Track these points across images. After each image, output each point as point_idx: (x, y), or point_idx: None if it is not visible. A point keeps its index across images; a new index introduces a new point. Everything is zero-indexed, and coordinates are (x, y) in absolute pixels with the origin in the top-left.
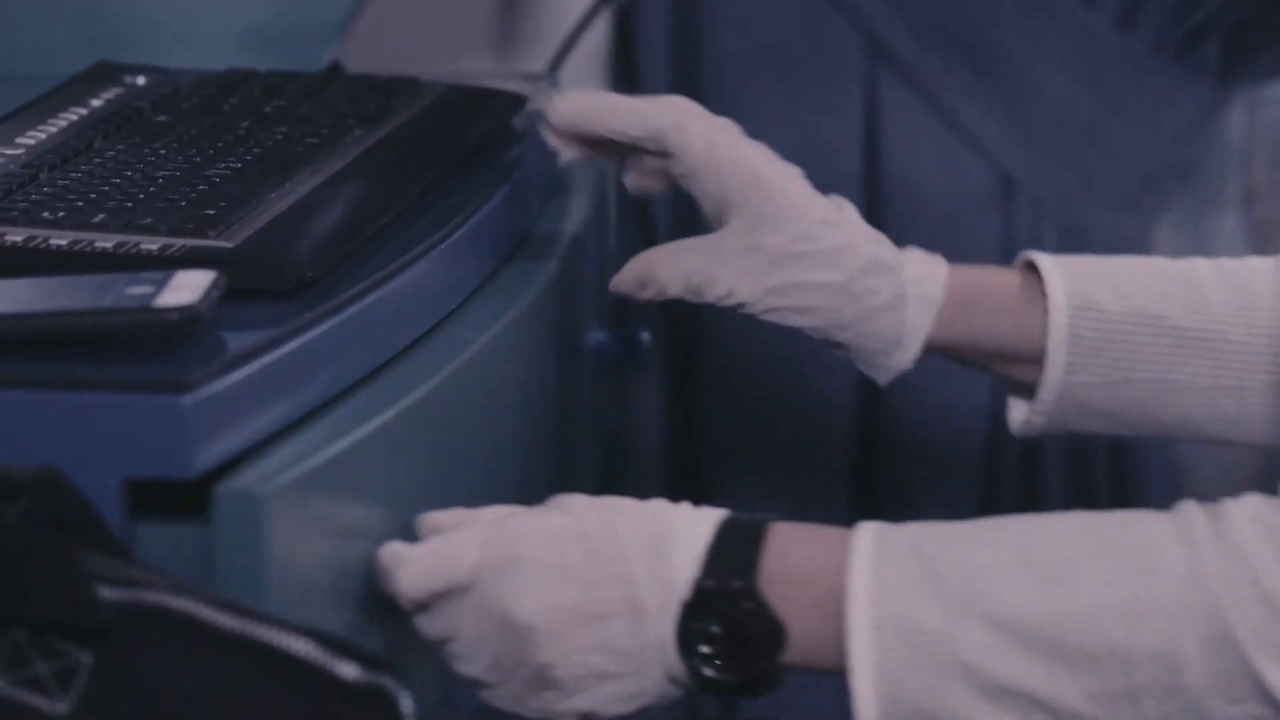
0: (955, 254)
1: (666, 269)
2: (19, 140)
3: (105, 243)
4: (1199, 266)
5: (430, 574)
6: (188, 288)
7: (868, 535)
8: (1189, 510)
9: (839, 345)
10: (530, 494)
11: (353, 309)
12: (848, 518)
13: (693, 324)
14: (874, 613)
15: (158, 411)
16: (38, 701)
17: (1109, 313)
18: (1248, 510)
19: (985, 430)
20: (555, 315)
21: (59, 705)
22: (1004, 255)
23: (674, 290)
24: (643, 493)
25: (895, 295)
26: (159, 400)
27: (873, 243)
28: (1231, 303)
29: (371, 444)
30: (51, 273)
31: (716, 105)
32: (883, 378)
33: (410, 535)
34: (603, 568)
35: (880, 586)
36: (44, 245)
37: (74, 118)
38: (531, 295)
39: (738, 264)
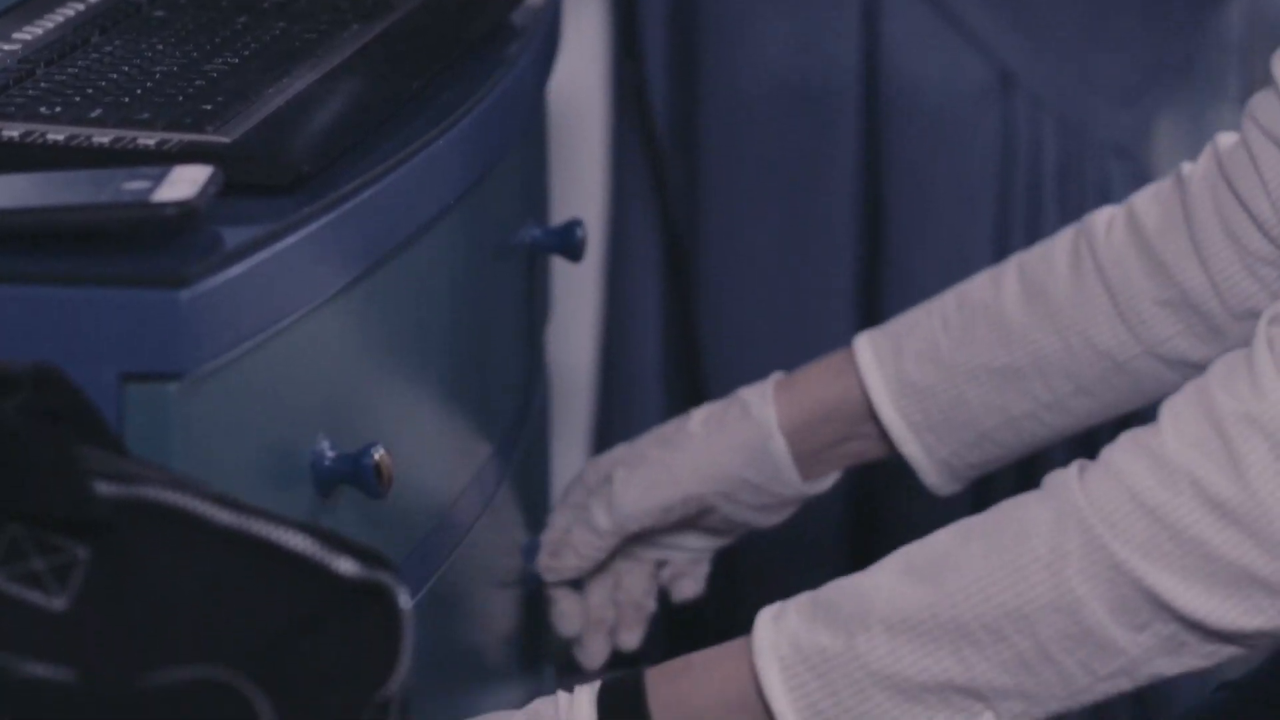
0: (954, 150)
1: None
2: (16, 35)
3: (102, 138)
4: (1005, 282)
5: None
6: (185, 183)
7: (767, 609)
8: (1055, 471)
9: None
10: (459, 387)
11: (349, 204)
12: None
13: (693, 226)
14: (778, 654)
15: (154, 306)
16: (35, 597)
17: (927, 388)
18: (1122, 439)
19: None
20: (486, 210)
21: (56, 601)
22: (1003, 151)
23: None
24: (642, 399)
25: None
26: (155, 295)
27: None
28: (1033, 316)
29: (294, 335)
30: (48, 168)
31: (713, 1)
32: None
33: (335, 425)
34: None
35: (779, 631)
36: (41, 140)
37: (71, 13)
38: (458, 190)
39: None
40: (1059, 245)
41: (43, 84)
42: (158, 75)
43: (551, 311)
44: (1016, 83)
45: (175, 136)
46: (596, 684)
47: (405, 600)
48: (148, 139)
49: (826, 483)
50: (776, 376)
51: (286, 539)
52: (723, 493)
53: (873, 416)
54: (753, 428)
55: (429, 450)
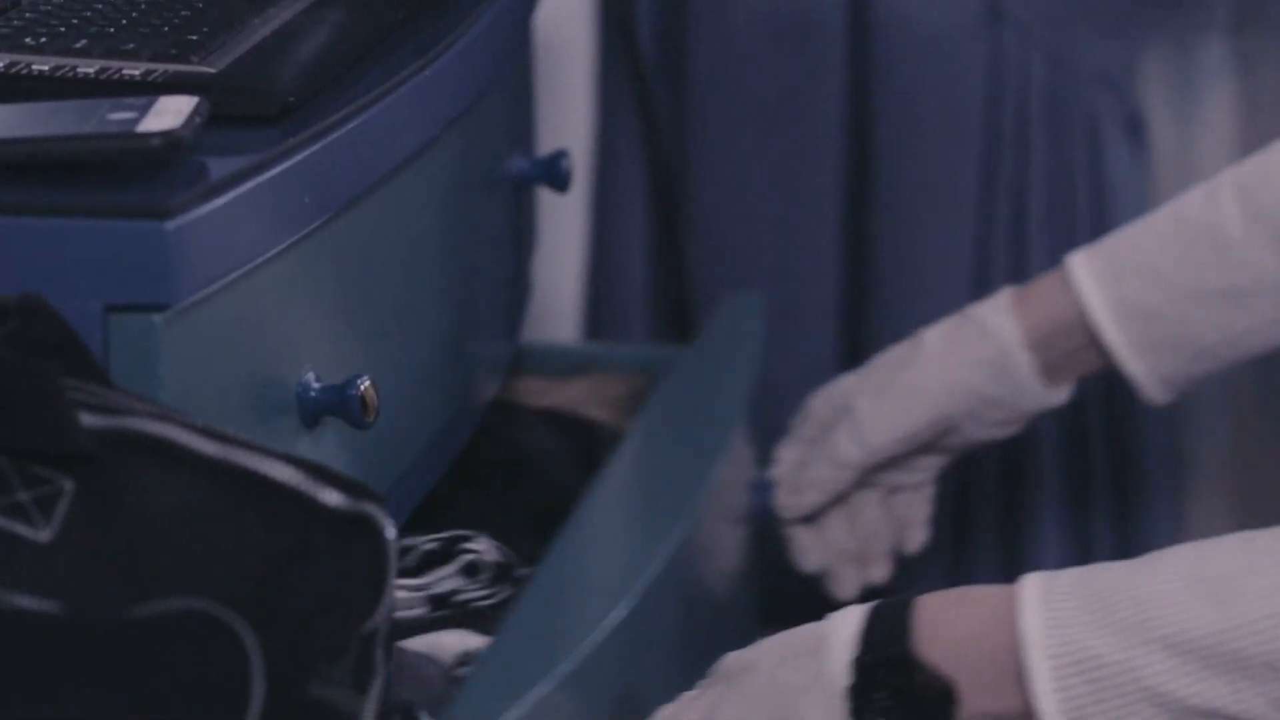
0: (942, 81)
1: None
2: None
3: (88, 68)
4: (1223, 201)
5: None
6: (170, 113)
7: (1032, 581)
8: None
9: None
10: (445, 318)
11: (336, 135)
12: (834, 347)
13: (680, 156)
14: (1050, 652)
15: (140, 237)
16: (21, 529)
17: (1149, 310)
18: None
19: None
20: (472, 141)
21: (42, 533)
22: (990, 82)
23: None
24: (628, 329)
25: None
26: (141, 226)
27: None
28: (1254, 236)
29: (280, 266)
30: (33, 99)
31: None
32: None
33: (321, 356)
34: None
35: (1052, 625)
36: (26, 71)
37: None
38: (444, 121)
39: None
40: (1276, 162)
41: (28, 14)
42: (143, 5)
43: (538, 242)
44: (1004, 13)
45: (161, 67)
46: (870, 604)
47: (390, 532)
48: (133, 69)
49: (1065, 394)
50: (1007, 291)
51: (272, 470)
52: (967, 410)
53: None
54: (993, 343)
55: (415, 381)
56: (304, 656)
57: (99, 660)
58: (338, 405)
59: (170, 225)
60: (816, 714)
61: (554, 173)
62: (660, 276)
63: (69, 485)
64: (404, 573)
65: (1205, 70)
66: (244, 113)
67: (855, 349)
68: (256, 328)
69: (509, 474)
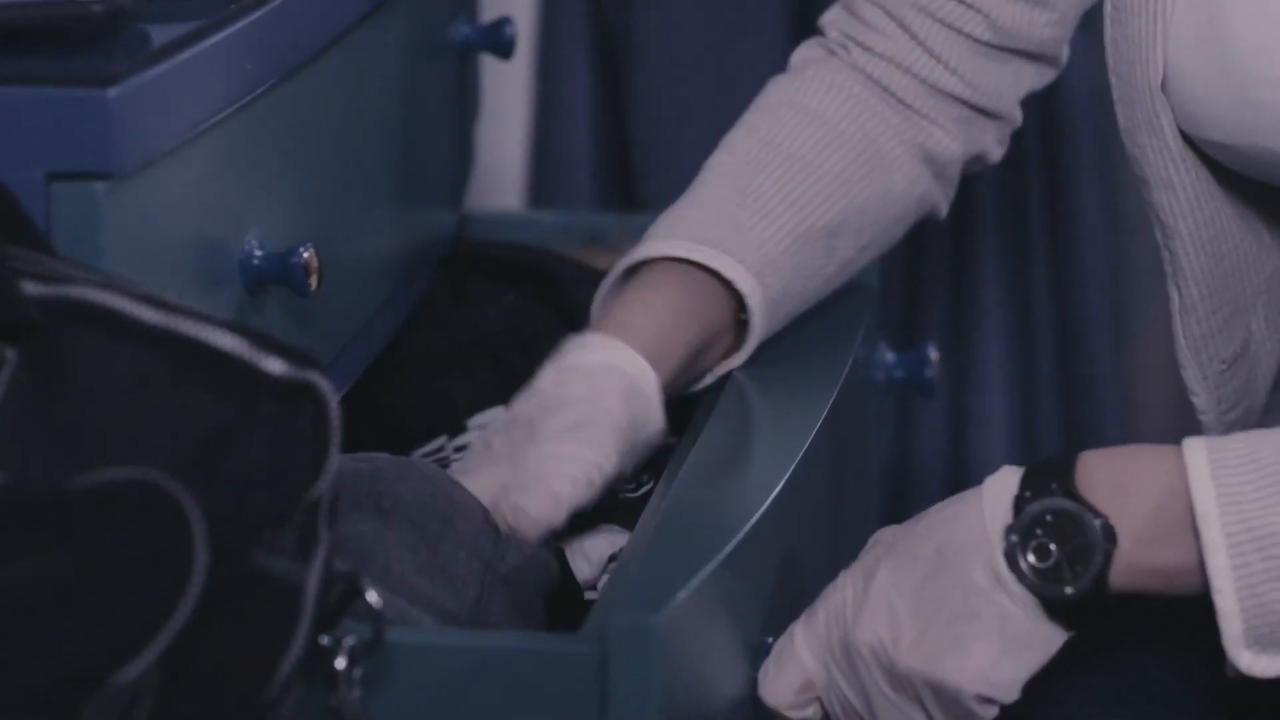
0: None
1: None
2: None
3: None
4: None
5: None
6: None
7: (1198, 449)
8: None
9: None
10: (389, 186)
11: (278, 1)
12: None
13: (623, 22)
14: (1226, 528)
15: (82, 105)
16: None
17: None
18: None
19: None
20: (416, 8)
21: None
22: None
23: None
24: (571, 197)
25: None
26: (83, 93)
27: None
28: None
29: (223, 133)
30: None
31: None
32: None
33: (264, 225)
34: (944, 586)
35: (1225, 499)
36: None
37: None
38: None
39: None
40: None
41: None
42: None
43: (481, 110)
44: None
45: None
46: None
47: (334, 401)
48: None
49: None
50: None
51: (215, 338)
52: None
53: None
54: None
55: (358, 249)
56: (247, 525)
57: (42, 529)
58: (281, 273)
59: (112, 93)
60: (976, 560)
61: (498, 39)
62: (604, 143)
63: (12, 355)
64: None
65: None
66: None
67: None
68: (199, 195)
69: None
